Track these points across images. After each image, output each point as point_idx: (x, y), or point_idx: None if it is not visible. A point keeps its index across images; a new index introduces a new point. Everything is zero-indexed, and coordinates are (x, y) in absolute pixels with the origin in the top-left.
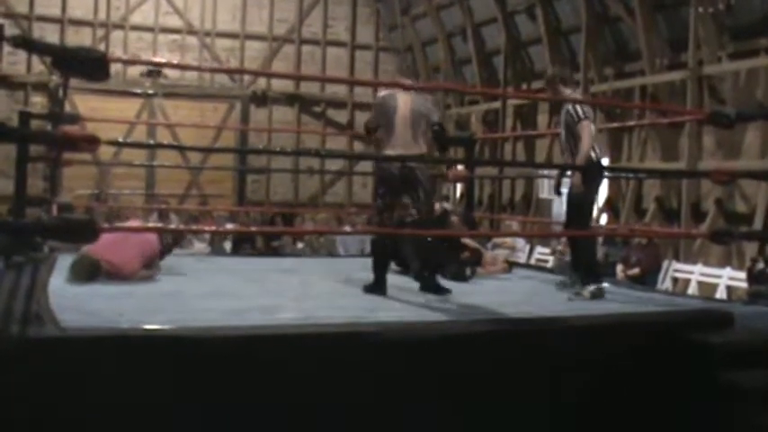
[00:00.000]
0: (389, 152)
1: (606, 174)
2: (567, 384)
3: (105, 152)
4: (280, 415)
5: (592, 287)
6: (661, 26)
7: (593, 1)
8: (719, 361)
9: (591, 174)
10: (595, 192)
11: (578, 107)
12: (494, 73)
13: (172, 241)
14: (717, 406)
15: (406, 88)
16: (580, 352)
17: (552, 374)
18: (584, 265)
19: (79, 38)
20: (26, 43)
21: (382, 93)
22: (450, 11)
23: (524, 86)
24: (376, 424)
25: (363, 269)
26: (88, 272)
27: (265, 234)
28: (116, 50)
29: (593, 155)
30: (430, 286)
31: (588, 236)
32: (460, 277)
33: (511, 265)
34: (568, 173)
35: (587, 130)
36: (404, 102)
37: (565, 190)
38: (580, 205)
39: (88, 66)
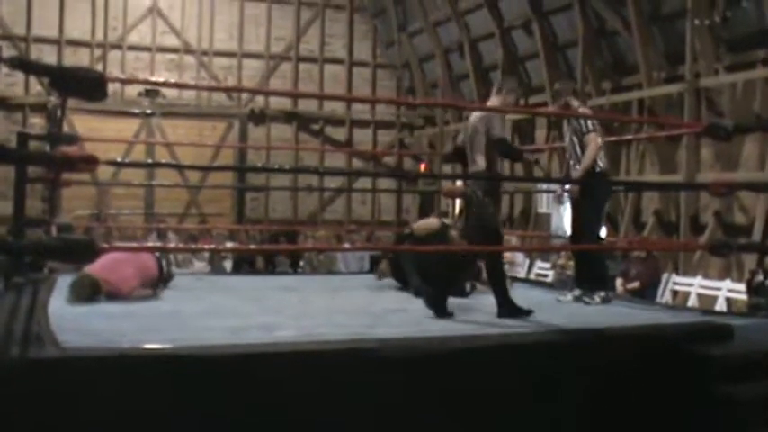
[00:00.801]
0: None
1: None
2: (567, 397)
3: (104, 172)
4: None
5: (602, 293)
6: (657, 39)
7: (589, 15)
8: (719, 373)
9: (598, 184)
10: (603, 202)
11: (587, 119)
12: (491, 88)
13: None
14: (716, 418)
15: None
16: (580, 365)
17: (553, 387)
18: (594, 273)
19: (77, 58)
20: (23, 64)
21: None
22: (447, 27)
23: (522, 101)
24: None
25: (363, 286)
26: (88, 291)
27: (266, 252)
28: (114, 70)
29: (600, 164)
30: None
31: (595, 249)
32: (460, 292)
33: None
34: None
35: (594, 142)
36: (471, 121)
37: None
38: (587, 216)
39: (86, 86)
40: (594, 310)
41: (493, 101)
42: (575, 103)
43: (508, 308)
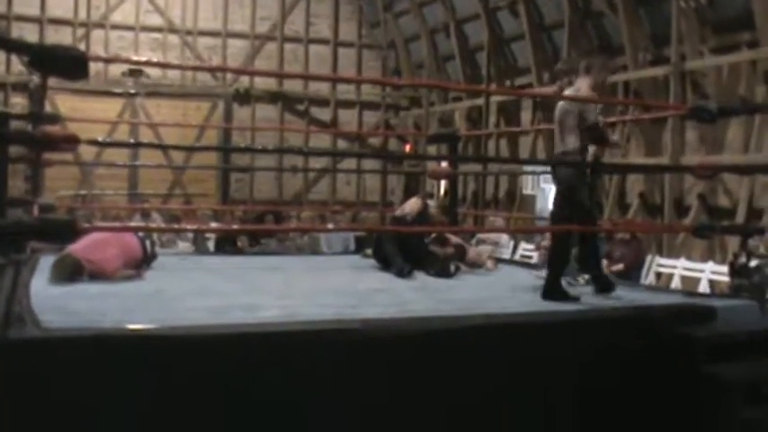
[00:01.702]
0: None
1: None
2: (550, 378)
3: (87, 152)
4: (264, 412)
5: (586, 276)
6: (644, 21)
7: None
8: (703, 354)
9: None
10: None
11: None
12: (477, 69)
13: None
14: (700, 399)
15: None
16: (564, 347)
17: (536, 369)
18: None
19: (59, 37)
20: (3, 42)
21: None
22: (433, 7)
23: (507, 83)
24: (359, 420)
25: (348, 266)
26: (70, 272)
27: (249, 232)
28: (97, 49)
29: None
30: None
31: (578, 230)
32: (445, 273)
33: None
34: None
35: None
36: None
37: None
38: (587, 198)
39: (67, 65)
40: (579, 292)
41: (581, 82)
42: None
43: (554, 292)
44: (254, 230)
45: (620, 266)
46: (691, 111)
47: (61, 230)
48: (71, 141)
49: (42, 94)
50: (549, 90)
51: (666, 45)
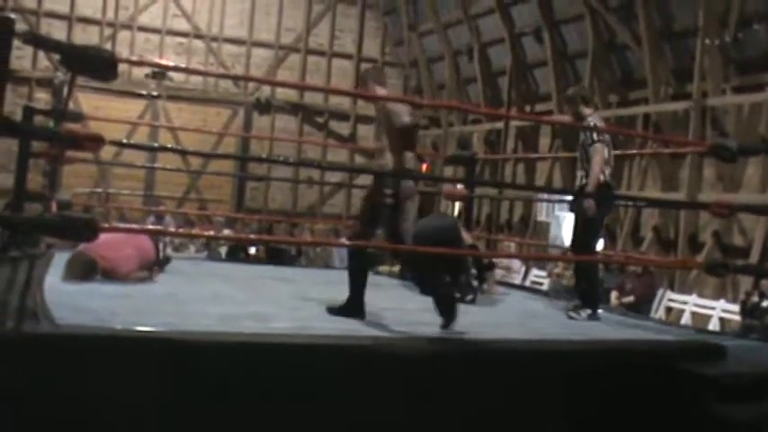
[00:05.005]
0: None
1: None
2: (555, 410)
3: (106, 151)
4: (267, 423)
5: (589, 311)
6: (667, 56)
7: (600, 27)
8: (711, 393)
9: (602, 197)
10: (604, 215)
11: (594, 130)
12: (498, 93)
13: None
14: None
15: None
16: (570, 378)
17: (541, 399)
18: (585, 288)
19: (86, 36)
20: (35, 40)
21: None
22: (458, 29)
23: (528, 108)
24: None
25: None
26: (84, 270)
27: (263, 242)
28: (122, 51)
29: (601, 177)
30: None
31: (592, 260)
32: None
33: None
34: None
35: (600, 152)
36: None
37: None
38: (587, 227)
39: (97, 65)
40: (588, 323)
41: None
42: (586, 111)
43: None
44: (268, 241)
45: (630, 299)
46: (711, 148)
47: (81, 228)
48: (97, 141)
49: (70, 92)
50: (567, 118)
51: (689, 81)
